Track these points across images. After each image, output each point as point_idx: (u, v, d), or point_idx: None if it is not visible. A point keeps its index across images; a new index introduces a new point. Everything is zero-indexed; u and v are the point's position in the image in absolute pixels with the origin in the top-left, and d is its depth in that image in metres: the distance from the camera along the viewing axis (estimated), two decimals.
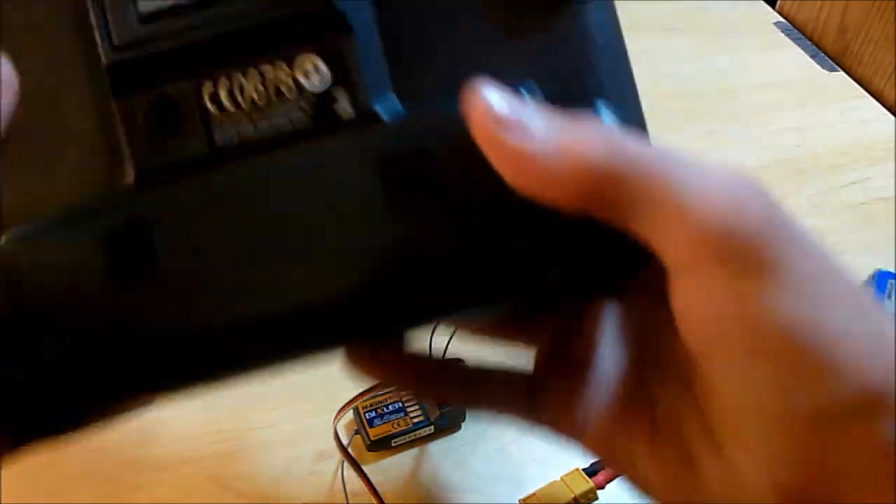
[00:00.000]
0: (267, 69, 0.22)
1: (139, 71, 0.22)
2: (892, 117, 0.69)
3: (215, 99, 0.22)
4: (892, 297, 0.54)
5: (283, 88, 0.22)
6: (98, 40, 0.22)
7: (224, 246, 0.22)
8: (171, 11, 0.22)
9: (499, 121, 0.20)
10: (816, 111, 0.69)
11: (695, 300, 0.20)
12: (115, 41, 0.22)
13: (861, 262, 0.56)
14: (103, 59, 0.22)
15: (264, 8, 0.22)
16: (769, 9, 0.82)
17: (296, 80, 0.22)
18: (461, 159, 0.22)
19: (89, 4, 0.22)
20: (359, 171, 0.22)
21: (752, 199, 0.20)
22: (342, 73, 0.22)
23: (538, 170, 0.20)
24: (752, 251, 0.19)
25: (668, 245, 0.20)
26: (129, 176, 0.22)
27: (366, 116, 0.22)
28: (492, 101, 0.21)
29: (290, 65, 0.22)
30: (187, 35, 0.22)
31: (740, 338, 0.20)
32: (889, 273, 0.55)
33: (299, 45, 0.22)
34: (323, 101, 0.22)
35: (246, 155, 0.22)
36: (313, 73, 0.22)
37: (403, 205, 0.22)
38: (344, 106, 0.22)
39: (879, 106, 0.70)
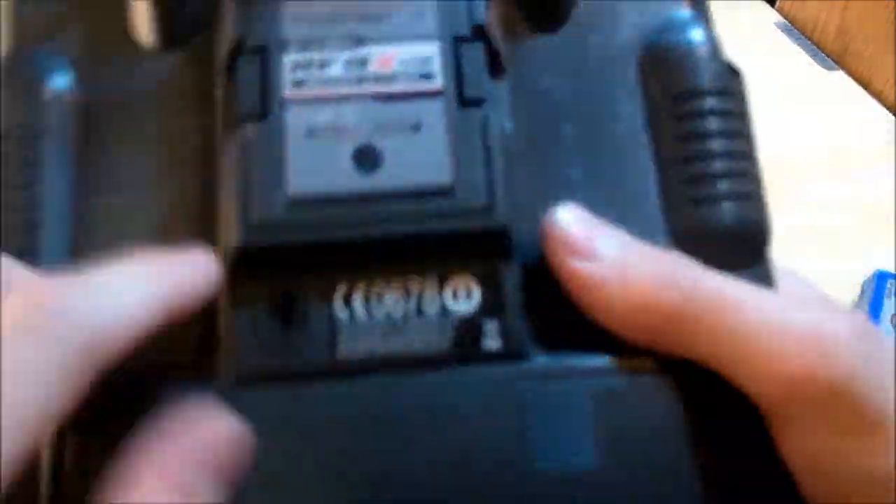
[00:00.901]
0: (413, 283, 0.20)
1: (272, 258, 0.19)
2: (892, 117, 0.69)
3: (348, 303, 0.20)
4: (893, 297, 0.54)
5: (427, 307, 0.20)
6: (235, 214, 0.19)
7: (321, 475, 0.19)
8: (323, 201, 0.19)
9: (568, 242, 0.20)
10: (816, 111, 0.69)
11: (799, 453, 0.19)
12: (255, 220, 0.19)
13: (861, 262, 0.56)
14: (236, 238, 0.19)
15: (426, 218, 0.19)
16: (769, 9, 0.82)
17: (442, 300, 0.20)
18: (612, 418, 0.19)
19: (234, 171, 0.19)
20: (498, 416, 0.19)
21: (840, 345, 0.18)
22: (496, 302, 0.20)
23: (601, 297, 0.19)
24: (847, 405, 0.18)
25: (757, 391, 0.19)
26: (233, 370, 0.19)
27: (513, 353, 0.20)
28: (565, 222, 0.20)
29: (442, 283, 0.20)
30: (335, 231, 0.19)
31: (846, 493, 0.18)
32: (889, 273, 0.55)
33: (455, 263, 0.20)
34: (468, 327, 0.20)
35: (369, 373, 0.19)
36: (465, 297, 0.20)
37: (547, 462, 0.19)
38: (491, 337, 0.20)
39: (879, 106, 0.71)
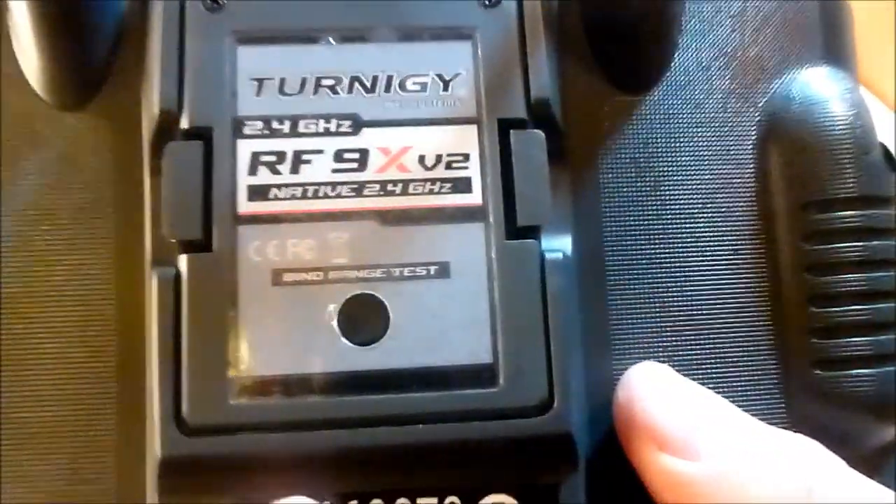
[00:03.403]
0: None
1: (215, 470, 0.13)
2: (892, 116, 0.68)
3: None
4: None
5: None
6: (160, 407, 0.13)
7: None
8: (293, 387, 0.13)
9: (657, 429, 0.14)
10: None
11: None
12: (190, 418, 0.13)
13: None
14: (161, 446, 0.13)
15: (450, 416, 0.13)
16: None
17: None
18: None
19: (160, 335, 0.13)
20: None
21: None
22: None
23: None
24: None
25: None
26: None
27: None
28: (648, 395, 0.14)
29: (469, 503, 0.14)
30: (308, 433, 0.13)
31: None
32: None
33: (489, 477, 0.14)
34: None
35: None
36: None
37: None
38: None
39: (879, 105, 0.69)
